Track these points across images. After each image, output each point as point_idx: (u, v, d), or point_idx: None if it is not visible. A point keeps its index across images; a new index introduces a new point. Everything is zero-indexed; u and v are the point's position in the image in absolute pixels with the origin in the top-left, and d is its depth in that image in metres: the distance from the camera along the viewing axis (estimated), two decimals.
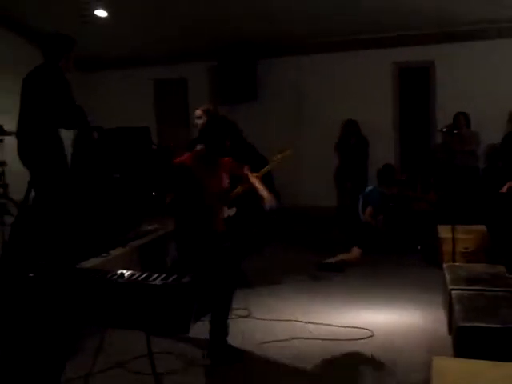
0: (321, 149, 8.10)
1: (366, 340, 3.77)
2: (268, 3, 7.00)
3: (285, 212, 7.05)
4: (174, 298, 2.25)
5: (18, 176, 4.59)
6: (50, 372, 2.58)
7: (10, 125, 4.35)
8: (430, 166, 7.42)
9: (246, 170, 3.98)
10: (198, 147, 5.08)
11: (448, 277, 4.12)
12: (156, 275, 2.40)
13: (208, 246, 3.61)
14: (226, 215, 4.05)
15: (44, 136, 4.10)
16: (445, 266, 4.53)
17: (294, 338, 3.82)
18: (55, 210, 4.11)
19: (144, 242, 5.25)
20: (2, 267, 4.02)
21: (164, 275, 2.40)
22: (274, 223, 5.94)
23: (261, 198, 3.87)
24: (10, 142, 4.49)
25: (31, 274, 2.41)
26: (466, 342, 3.06)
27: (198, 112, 5.12)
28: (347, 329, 3.96)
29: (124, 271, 2.45)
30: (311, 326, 4.05)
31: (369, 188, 6.81)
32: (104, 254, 4.55)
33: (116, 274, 2.42)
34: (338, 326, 4.02)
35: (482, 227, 5.72)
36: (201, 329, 3.67)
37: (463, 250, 5.38)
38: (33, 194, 4.35)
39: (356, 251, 6.06)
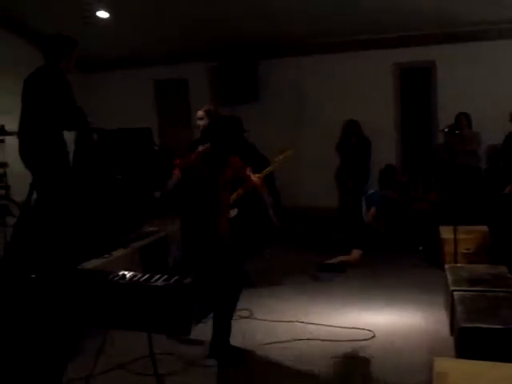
0: (321, 149, 8.10)
1: (367, 341, 3.77)
2: (268, 3, 7.00)
3: (285, 212, 7.05)
4: (175, 300, 2.25)
5: (20, 177, 4.59)
6: (52, 373, 2.58)
7: (11, 125, 4.35)
8: (432, 166, 7.41)
9: (248, 171, 3.97)
10: (200, 148, 5.09)
11: (450, 278, 4.12)
12: (158, 276, 2.40)
13: (212, 247, 3.60)
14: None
15: (45, 137, 4.09)
16: (446, 266, 4.52)
17: (295, 339, 3.81)
18: (57, 211, 4.11)
19: (146, 243, 5.26)
20: (3, 268, 4.02)
21: (166, 276, 2.40)
22: (274, 225, 5.93)
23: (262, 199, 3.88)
24: (12, 143, 4.48)
25: (33, 275, 2.41)
26: (468, 342, 3.06)
27: (200, 113, 5.12)
28: (348, 330, 3.96)
29: (126, 272, 2.45)
30: (312, 327, 4.06)
31: (371, 191, 6.85)
32: (106, 255, 4.55)
33: (118, 275, 2.42)
34: (339, 327, 4.02)
35: (484, 228, 5.71)
36: (202, 330, 3.68)
37: (465, 251, 5.37)
38: (35, 195, 4.34)
39: (356, 252, 6.06)
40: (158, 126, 8.68)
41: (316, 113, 8.18)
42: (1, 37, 7.19)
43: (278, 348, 3.69)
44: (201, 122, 5.12)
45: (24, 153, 4.18)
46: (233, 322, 3.66)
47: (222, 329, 3.53)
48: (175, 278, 2.37)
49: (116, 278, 2.39)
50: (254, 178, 3.91)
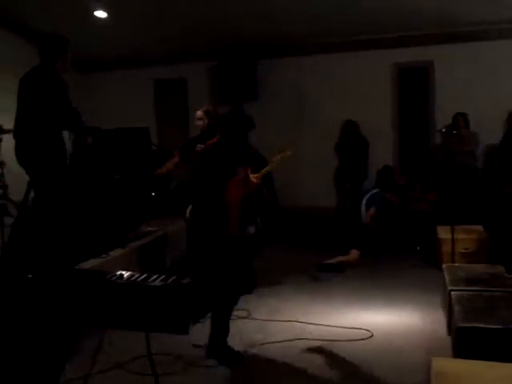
0: (320, 149, 8.10)
1: (365, 341, 3.78)
2: (268, 3, 7.00)
3: (284, 212, 7.06)
4: (173, 299, 2.25)
5: (18, 177, 4.58)
6: (50, 373, 2.58)
7: (11, 124, 4.35)
8: (430, 167, 7.42)
9: (247, 171, 3.97)
10: (199, 147, 5.10)
11: (447, 277, 4.12)
12: (155, 276, 2.40)
13: (221, 245, 3.53)
14: None
15: (41, 137, 4.08)
16: (444, 266, 4.53)
17: (293, 339, 3.81)
18: (54, 211, 4.11)
19: (143, 243, 5.25)
20: (1, 268, 4.02)
21: (163, 276, 2.40)
22: (273, 224, 5.94)
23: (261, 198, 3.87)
24: (10, 142, 4.48)
25: (30, 275, 2.42)
26: (466, 342, 3.06)
27: (199, 113, 5.13)
28: (347, 329, 3.97)
29: (123, 272, 2.45)
30: (311, 327, 4.06)
31: (372, 192, 6.85)
32: (103, 255, 4.55)
33: (115, 274, 2.42)
34: (337, 327, 4.02)
35: (481, 227, 5.73)
36: (200, 330, 3.68)
37: (463, 251, 5.38)
38: (32, 194, 4.34)
39: (355, 253, 6.07)
40: (156, 126, 8.67)
41: (316, 113, 8.18)
42: (1, 37, 7.19)
43: (276, 348, 3.69)
44: (199, 123, 5.13)
45: (20, 153, 4.18)
46: (231, 321, 3.66)
47: (220, 329, 3.53)
48: (173, 277, 2.37)
49: (114, 278, 2.38)
50: (253, 177, 3.91)
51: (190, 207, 4.73)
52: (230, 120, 3.66)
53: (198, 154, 3.72)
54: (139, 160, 6.00)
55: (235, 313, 4.09)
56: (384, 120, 7.98)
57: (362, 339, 3.79)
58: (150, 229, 5.76)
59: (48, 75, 4.09)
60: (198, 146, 5.08)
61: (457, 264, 4.88)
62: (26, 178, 4.28)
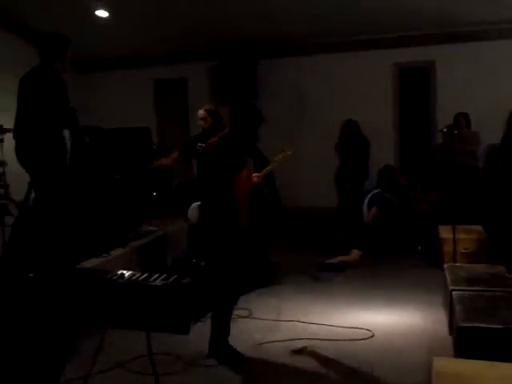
0: (321, 149, 8.10)
1: (366, 340, 3.77)
2: (268, 3, 7.00)
3: (285, 213, 7.05)
4: (174, 299, 2.25)
5: (19, 176, 4.58)
6: (50, 372, 2.57)
7: (11, 124, 4.35)
8: (430, 166, 7.42)
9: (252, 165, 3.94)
10: (199, 146, 5.10)
11: (448, 277, 4.12)
12: (156, 276, 2.39)
13: (228, 240, 3.49)
14: None
15: (40, 137, 4.08)
16: (445, 266, 4.53)
17: (294, 339, 3.81)
18: (55, 211, 4.10)
19: (144, 243, 5.26)
20: (2, 267, 4.02)
21: (164, 276, 2.39)
22: (273, 223, 5.94)
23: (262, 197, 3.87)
24: (11, 142, 4.48)
25: (31, 274, 2.41)
26: (467, 342, 3.05)
27: (201, 112, 5.12)
28: (348, 329, 3.96)
29: (124, 271, 2.44)
30: (312, 327, 4.06)
31: (374, 191, 6.85)
32: (104, 255, 4.55)
33: (116, 274, 2.41)
34: (338, 327, 4.02)
35: (481, 227, 5.73)
36: (201, 329, 3.68)
37: (464, 251, 5.37)
38: (33, 194, 4.34)
39: (356, 253, 6.07)
40: (156, 126, 8.68)
41: (316, 113, 8.18)
42: (1, 37, 7.19)
43: (277, 347, 3.69)
44: (202, 122, 5.13)
45: (20, 152, 4.17)
46: (232, 321, 3.65)
47: (221, 328, 3.52)
48: (174, 277, 2.37)
49: (114, 278, 2.38)
50: (254, 177, 3.91)
51: (190, 207, 4.73)
52: (242, 112, 3.62)
53: (206, 147, 3.66)
54: (140, 160, 6.00)
55: (236, 312, 4.09)
56: (385, 120, 7.98)
57: (363, 339, 3.79)
58: (150, 228, 5.76)
59: (47, 75, 4.09)
60: (199, 144, 5.08)
61: (458, 264, 4.87)
62: (27, 177, 4.28)
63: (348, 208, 7.70)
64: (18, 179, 4.81)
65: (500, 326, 3.04)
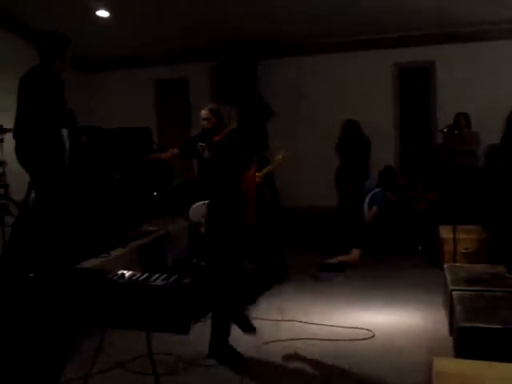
0: (321, 149, 8.10)
1: (366, 340, 3.77)
2: (268, 3, 7.00)
3: (285, 213, 7.05)
4: (174, 299, 2.25)
5: (19, 176, 4.58)
6: (50, 372, 2.57)
7: (11, 124, 4.35)
8: (431, 166, 7.42)
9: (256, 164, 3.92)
10: (199, 146, 5.10)
11: (449, 277, 4.12)
12: (156, 276, 2.40)
13: (233, 239, 3.45)
14: None
15: (40, 136, 4.08)
16: (445, 266, 4.53)
17: (294, 339, 3.81)
18: (55, 211, 4.10)
19: (144, 243, 5.26)
20: (2, 267, 4.02)
21: (164, 276, 2.39)
22: (275, 224, 5.94)
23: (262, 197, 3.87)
24: (11, 141, 4.48)
25: (31, 274, 2.41)
26: (467, 342, 3.05)
27: (205, 113, 5.10)
28: (348, 329, 3.96)
29: (124, 271, 2.44)
30: (312, 327, 4.05)
31: (374, 190, 6.86)
32: (104, 255, 4.55)
33: (116, 274, 2.41)
34: (338, 327, 4.02)
35: (481, 228, 5.73)
36: (201, 329, 3.68)
37: (464, 251, 5.37)
38: (33, 194, 4.34)
39: (356, 252, 6.07)
40: (157, 126, 8.68)
41: (316, 113, 8.17)
42: (1, 37, 7.18)
43: (277, 347, 3.69)
44: (205, 122, 5.12)
45: (19, 152, 4.17)
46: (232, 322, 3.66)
47: (221, 328, 3.52)
48: (174, 277, 2.37)
49: (115, 278, 2.38)
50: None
51: (191, 207, 4.74)
52: (249, 106, 3.54)
53: (214, 144, 3.58)
54: (141, 159, 6.00)
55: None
56: (385, 120, 7.98)
57: (363, 339, 3.79)
58: (150, 228, 5.76)
59: (47, 74, 4.09)
60: (200, 144, 5.08)
61: (458, 264, 4.87)
62: (27, 177, 4.28)
63: (348, 208, 7.70)
64: (18, 179, 4.81)
65: (500, 326, 3.04)
